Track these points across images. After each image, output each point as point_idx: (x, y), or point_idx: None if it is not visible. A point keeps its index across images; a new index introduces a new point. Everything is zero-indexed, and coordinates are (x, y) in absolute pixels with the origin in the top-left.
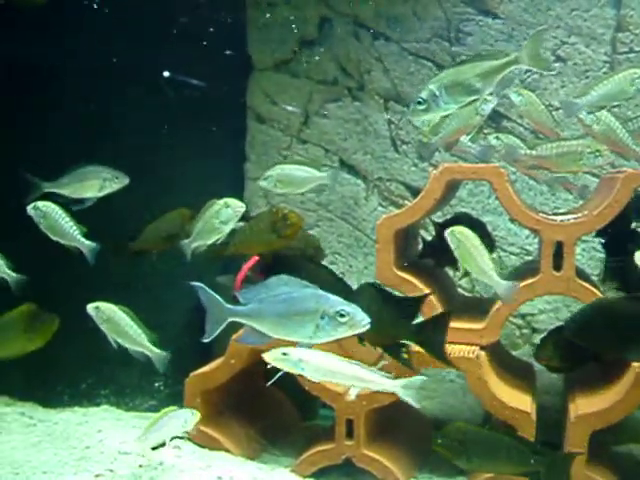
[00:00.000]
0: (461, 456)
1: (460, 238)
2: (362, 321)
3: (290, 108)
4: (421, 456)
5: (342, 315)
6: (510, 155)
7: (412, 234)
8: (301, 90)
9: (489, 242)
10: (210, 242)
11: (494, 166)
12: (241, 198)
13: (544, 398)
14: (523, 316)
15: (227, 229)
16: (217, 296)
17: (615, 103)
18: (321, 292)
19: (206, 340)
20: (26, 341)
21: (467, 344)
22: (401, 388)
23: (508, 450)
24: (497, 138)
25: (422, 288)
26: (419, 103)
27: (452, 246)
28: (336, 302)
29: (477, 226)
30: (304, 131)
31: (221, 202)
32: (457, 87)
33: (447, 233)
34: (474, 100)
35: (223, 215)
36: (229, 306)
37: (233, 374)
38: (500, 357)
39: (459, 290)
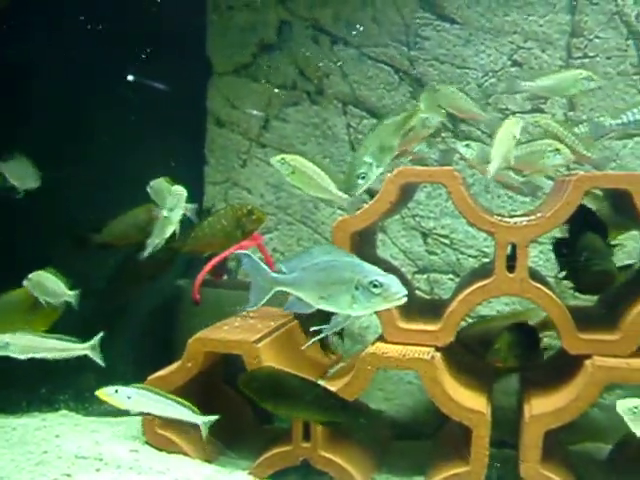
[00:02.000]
0: (269, 400)
1: (293, 164)
2: (397, 293)
3: (255, 112)
4: (379, 457)
5: (375, 286)
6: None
7: (369, 237)
8: (260, 94)
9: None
10: (167, 235)
11: (449, 169)
12: (200, 202)
13: (501, 398)
14: (481, 317)
15: (176, 216)
16: (263, 264)
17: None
18: (358, 261)
19: (251, 309)
20: (25, 324)
21: (423, 345)
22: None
23: (316, 400)
24: (467, 146)
25: None
26: (362, 178)
27: (285, 173)
28: (370, 272)
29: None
30: (263, 135)
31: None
32: (381, 151)
33: (274, 161)
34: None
35: (169, 203)
36: (274, 275)
37: (190, 377)
38: (457, 358)
39: (417, 292)
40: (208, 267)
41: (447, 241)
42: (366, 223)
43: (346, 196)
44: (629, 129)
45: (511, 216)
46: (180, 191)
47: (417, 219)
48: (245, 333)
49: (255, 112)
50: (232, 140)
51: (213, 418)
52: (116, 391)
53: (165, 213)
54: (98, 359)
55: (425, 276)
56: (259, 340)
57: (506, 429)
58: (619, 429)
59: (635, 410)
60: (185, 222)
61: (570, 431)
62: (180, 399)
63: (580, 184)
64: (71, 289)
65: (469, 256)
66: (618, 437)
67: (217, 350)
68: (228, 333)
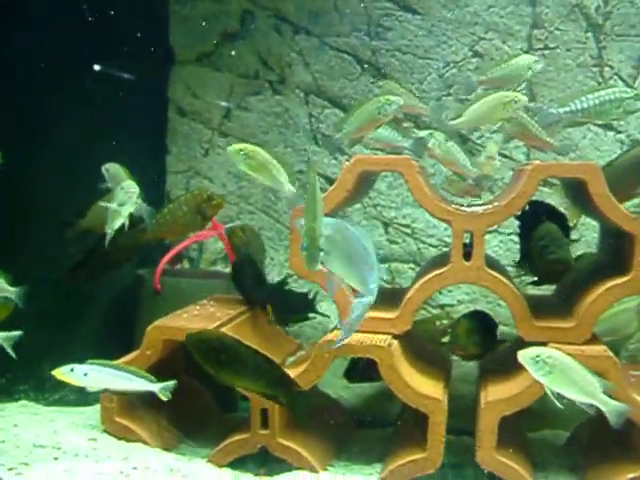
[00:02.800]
0: (214, 365)
1: (249, 154)
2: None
3: (223, 103)
4: (339, 444)
5: None
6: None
7: None
8: (222, 83)
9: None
10: (115, 228)
11: (405, 158)
12: (162, 191)
13: (461, 386)
14: (442, 307)
15: (125, 212)
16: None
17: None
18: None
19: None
20: None
21: (380, 333)
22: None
23: (258, 370)
24: (430, 135)
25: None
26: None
27: (238, 163)
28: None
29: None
30: (225, 124)
31: (117, 186)
32: None
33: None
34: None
35: (119, 198)
36: None
37: (149, 365)
38: (415, 346)
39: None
40: (169, 256)
41: (408, 230)
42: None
43: (290, 189)
44: (576, 117)
45: (470, 205)
46: (132, 188)
47: (378, 209)
48: (204, 321)
49: (223, 103)
50: (194, 129)
51: (170, 383)
52: (72, 370)
53: (115, 207)
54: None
55: (386, 265)
56: (218, 328)
57: (465, 417)
58: (577, 416)
59: (537, 359)
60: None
61: (529, 418)
62: (136, 370)
63: (535, 174)
64: (14, 285)
65: (430, 245)
66: (576, 424)
67: (175, 338)
68: (187, 321)
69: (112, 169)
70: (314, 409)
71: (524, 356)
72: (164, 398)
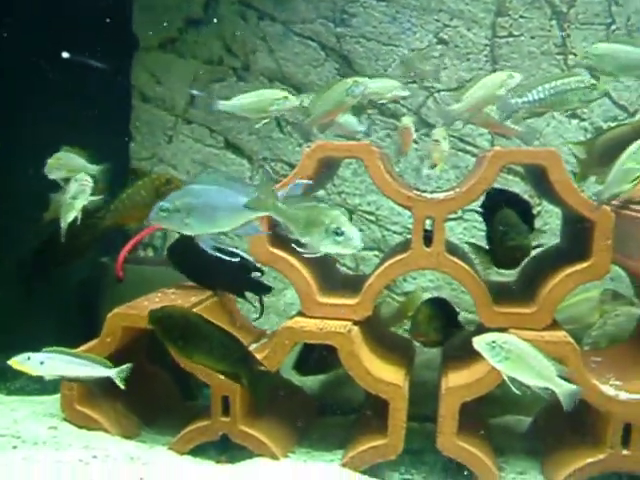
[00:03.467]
0: (177, 342)
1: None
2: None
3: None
4: (301, 431)
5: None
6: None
7: None
8: (186, 70)
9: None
10: (69, 220)
11: (366, 144)
12: (126, 179)
13: (424, 373)
14: (407, 294)
15: (78, 205)
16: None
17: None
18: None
19: None
20: None
21: (341, 319)
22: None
23: (222, 349)
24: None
25: (295, 265)
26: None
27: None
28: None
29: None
30: (189, 111)
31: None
32: None
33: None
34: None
35: (72, 190)
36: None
37: (110, 353)
38: (376, 332)
39: (343, 269)
40: (131, 243)
41: (372, 218)
42: None
43: None
44: (535, 107)
45: (432, 192)
46: (85, 181)
47: (343, 196)
48: None
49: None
50: (158, 116)
51: (125, 367)
52: (28, 358)
53: (68, 199)
54: None
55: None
56: None
57: (429, 404)
58: (539, 402)
59: (493, 345)
60: None
61: (491, 404)
62: (93, 356)
63: (496, 160)
64: None
65: (394, 232)
66: (538, 410)
67: (135, 325)
68: (147, 308)
69: (64, 158)
70: (276, 396)
71: (480, 342)
72: (119, 384)
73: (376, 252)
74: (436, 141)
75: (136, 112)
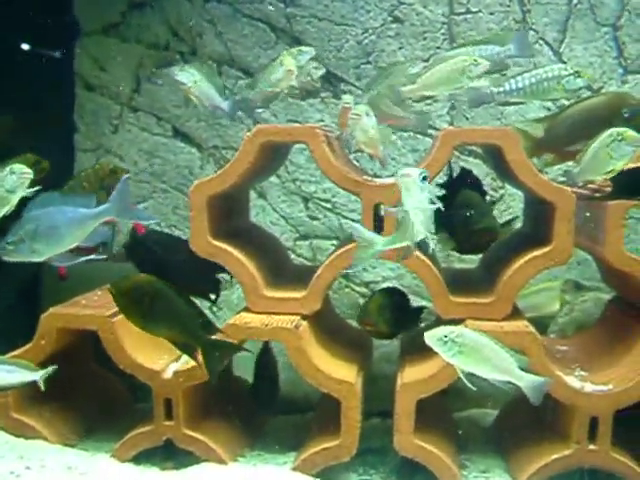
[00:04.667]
0: (139, 312)
1: None
2: None
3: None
4: (253, 433)
5: None
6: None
7: (240, 202)
8: (131, 55)
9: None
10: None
11: (310, 126)
12: (72, 171)
13: (384, 366)
14: (367, 284)
15: (15, 199)
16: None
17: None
18: None
19: None
20: None
21: (289, 314)
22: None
23: (184, 319)
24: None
25: (239, 258)
26: None
27: None
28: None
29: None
30: (135, 99)
31: (6, 169)
32: None
33: None
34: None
35: (8, 183)
36: None
37: (46, 356)
38: (329, 326)
39: (300, 259)
40: None
41: (329, 205)
42: (224, 186)
43: None
44: (510, 97)
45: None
46: (25, 174)
47: (297, 183)
48: (102, 307)
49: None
50: (102, 105)
51: (50, 370)
52: None
53: (3, 194)
54: None
55: (307, 242)
56: (116, 314)
57: (390, 399)
58: (505, 395)
59: (445, 339)
60: None
61: (456, 398)
62: (18, 361)
63: (447, 140)
64: None
65: (352, 220)
66: (504, 403)
67: (71, 326)
68: (84, 307)
69: None
70: (225, 395)
71: (431, 337)
72: (43, 387)
73: (334, 241)
74: (357, 115)
75: (80, 101)
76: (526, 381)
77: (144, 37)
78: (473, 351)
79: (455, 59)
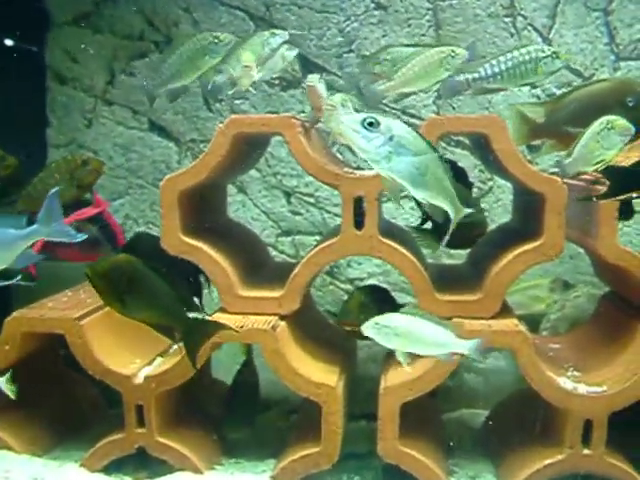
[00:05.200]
0: (117, 293)
1: None
2: None
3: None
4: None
5: None
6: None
7: (216, 197)
8: (104, 46)
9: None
10: None
11: (285, 116)
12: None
13: (370, 367)
14: (351, 281)
15: None
16: None
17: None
18: None
19: None
20: None
21: (266, 314)
22: None
23: (164, 298)
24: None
25: (213, 256)
26: None
27: None
28: None
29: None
30: (109, 91)
31: None
32: None
33: None
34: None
35: None
36: None
37: (11, 362)
38: (310, 326)
39: (282, 256)
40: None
41: (312, 200)
42: (196, 180)
43: None
44: (487, 83)
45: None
46: None
47: (278, 177)
48: (70, 309)
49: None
50: (75, 98)
51: (7, 375)
52: None
53: None
54: None
55: (290, 238)
56: (84, 316)
57: (376, 400)
58: (496, 395)
59: (377, 326)
60: None
61: (446, 398)
62: None
63: (432, 128)
64: None
65: (336, 215)
66: (495, 403)
67: (36, 330)
68: (50, 310)
69: None
70: (200, 401)
71: (366, 328)
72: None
73: (317, 237)
74: (331, 106)
75: (52, 94)
76: (464, 346)
77: (117, 27)
78: (408, 332)
79: (432, 50)
